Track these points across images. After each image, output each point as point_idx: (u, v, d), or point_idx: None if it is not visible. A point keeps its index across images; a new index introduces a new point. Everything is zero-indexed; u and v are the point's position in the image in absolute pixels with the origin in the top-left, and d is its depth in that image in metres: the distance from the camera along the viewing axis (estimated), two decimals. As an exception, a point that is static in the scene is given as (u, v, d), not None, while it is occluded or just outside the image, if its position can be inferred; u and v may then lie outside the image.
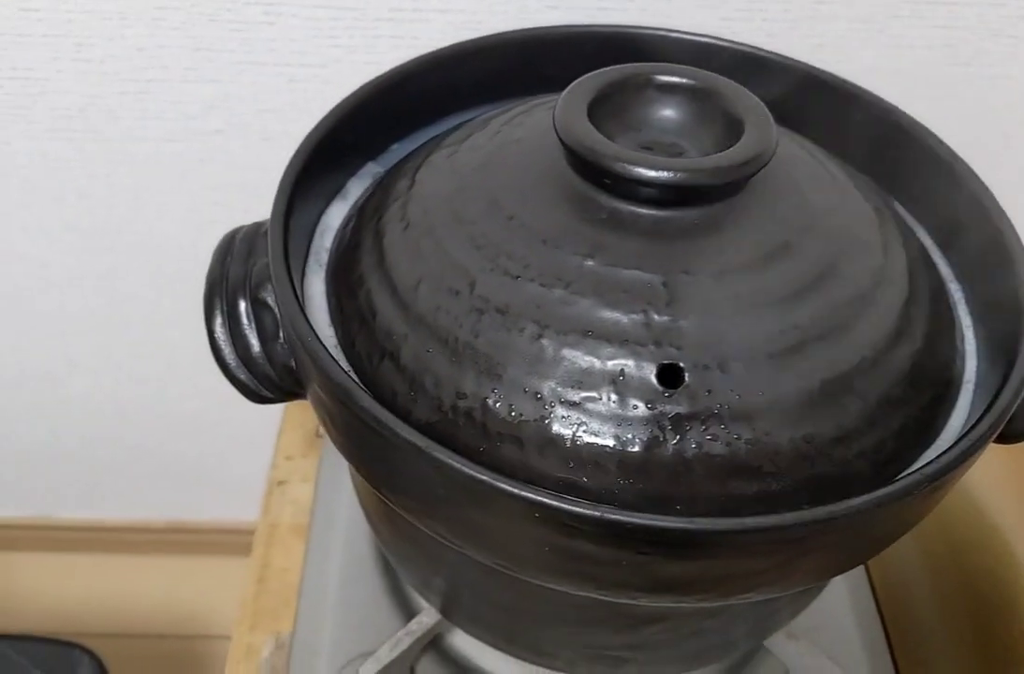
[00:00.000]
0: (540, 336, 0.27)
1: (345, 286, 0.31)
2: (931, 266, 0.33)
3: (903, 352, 0.28)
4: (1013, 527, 0.44)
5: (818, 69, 0.36)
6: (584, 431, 0.26)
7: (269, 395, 0.33)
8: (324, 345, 0.27)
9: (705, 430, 0.26)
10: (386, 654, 0.38)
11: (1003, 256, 0.31)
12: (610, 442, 0.26)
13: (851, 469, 0.27)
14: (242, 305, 0.32)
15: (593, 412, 0.26)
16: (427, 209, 0.31)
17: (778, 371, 0.27)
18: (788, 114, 0.34)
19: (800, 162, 0.32)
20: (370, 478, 0.29)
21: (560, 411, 0.26)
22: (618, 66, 0.31)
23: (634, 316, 0.27)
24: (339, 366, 0.27)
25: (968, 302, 0.33)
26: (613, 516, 0.23)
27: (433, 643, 0.43)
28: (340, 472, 0.50)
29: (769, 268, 0.28)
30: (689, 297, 0.27)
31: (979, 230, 0.32)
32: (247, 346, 0.32)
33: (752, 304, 0.27)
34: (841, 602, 0.44)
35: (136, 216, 0.62)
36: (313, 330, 0.28)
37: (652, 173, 0.27)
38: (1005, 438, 0.32)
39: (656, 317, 0.27)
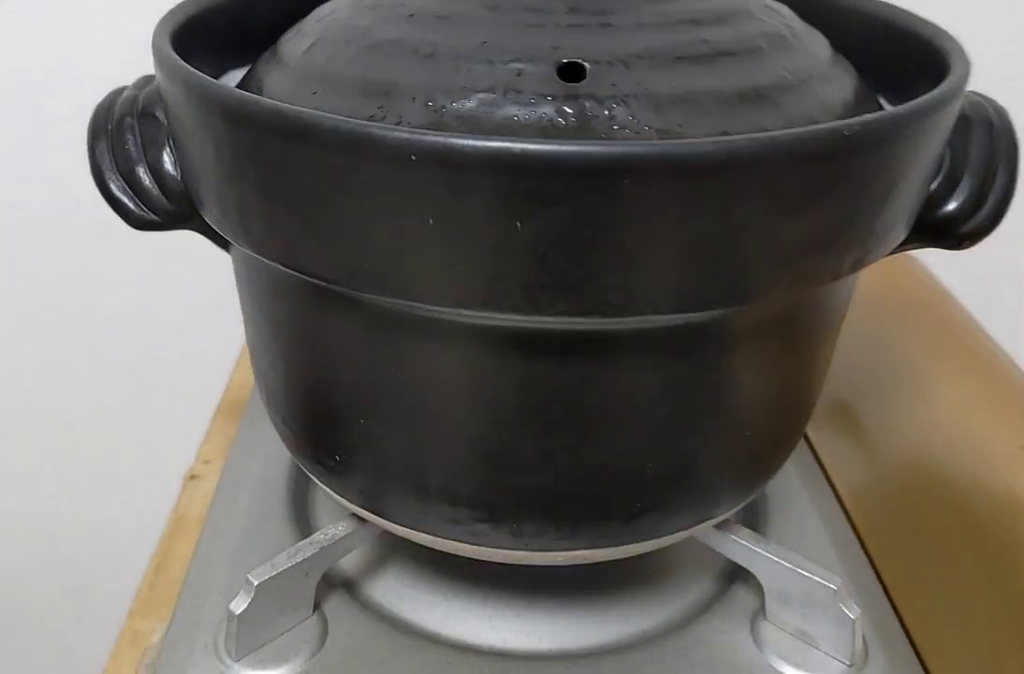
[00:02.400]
0: (432, 54, 0.25)
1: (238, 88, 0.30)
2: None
3: (829, 90, 0.27)
4: (996, 441, 0.39)
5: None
6: (478, 132, 0.23)
7: (154, 217, 0.30)
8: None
9: (612, 120, 0.23)
10: (283, 561, 0.32)
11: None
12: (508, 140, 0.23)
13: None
14: (128, 121, 0.30)
15: (487, 113, 0.24)
16: (320, 13, 0.30)
17: (688, 71, 0.25)
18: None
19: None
20: (248, 212, 0.25)
21: (453, 112, 0.24)
22: None
23: (534, 30, 0.25)
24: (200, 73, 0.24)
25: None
26: (499, 143, 0.20)
27: (348, 590, 0.36)
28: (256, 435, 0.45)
29: (676, 2, 0.27)
30: (592, 14, 0.26)
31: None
32: (130, 161, 0.30)
33: (657, 22, 0.26)
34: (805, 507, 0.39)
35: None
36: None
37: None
38: (957, 237, 0.30)
39: (557, 30, 0.25)
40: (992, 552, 0.36)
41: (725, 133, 0.24)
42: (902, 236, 0.27)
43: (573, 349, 0.25)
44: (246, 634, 0.32)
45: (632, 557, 0.32)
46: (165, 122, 0.29)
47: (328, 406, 0.29)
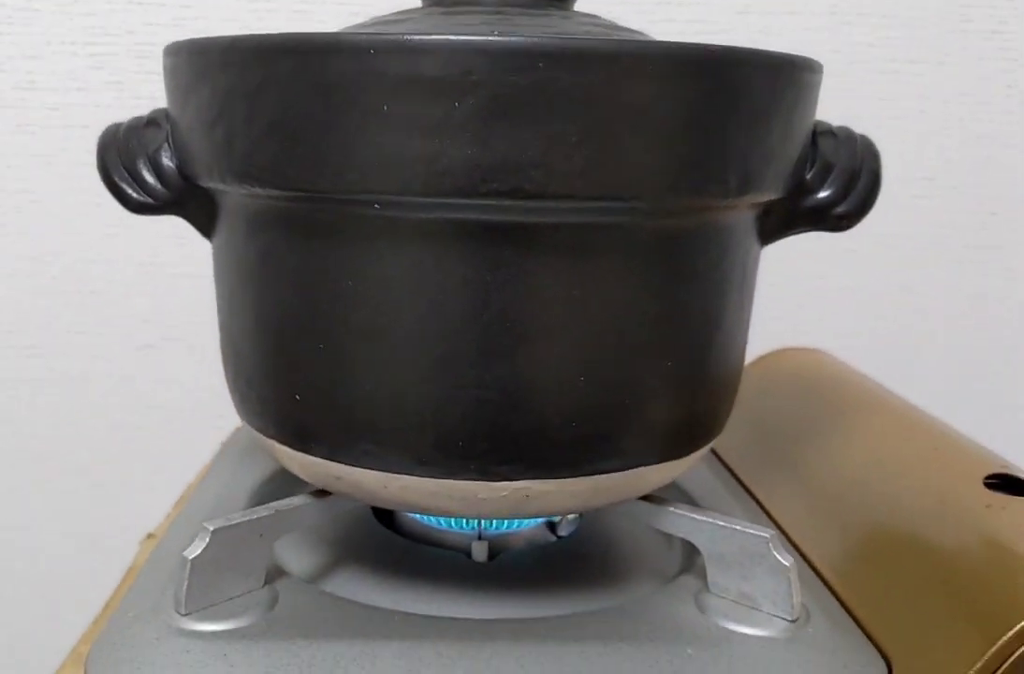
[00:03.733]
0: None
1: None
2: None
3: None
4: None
5: None
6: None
7: (149, 200, 0.35)
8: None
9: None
10: (238, 516, 0.34)
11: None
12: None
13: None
14: (133, 130, 0.36)
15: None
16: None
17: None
18: None
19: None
20: (237, 139, 0.30)
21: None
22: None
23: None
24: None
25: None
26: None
27: (301, 575, 0.37)
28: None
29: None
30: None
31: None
32: (132, 155, 0.35)
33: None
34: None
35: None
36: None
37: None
38: (835, 221, 0.36)
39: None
40: (918, 545, 0.38)
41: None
42: (778, 185, 0.33)
43: (505, 244, 0.29)
44: (198, 585, 0.33)
45: (584, 547, 0.34)
46: (166, 126, 0.35)
47: (291, 337, 0.32)
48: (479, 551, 0.40)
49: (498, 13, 0.33)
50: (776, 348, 0.69)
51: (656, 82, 0.28)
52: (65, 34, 0.64)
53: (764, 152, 0.31)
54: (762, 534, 0.34)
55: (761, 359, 0.57)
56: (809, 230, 0.37)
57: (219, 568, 0.33)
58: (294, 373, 0.33)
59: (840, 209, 0.35)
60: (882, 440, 0.44)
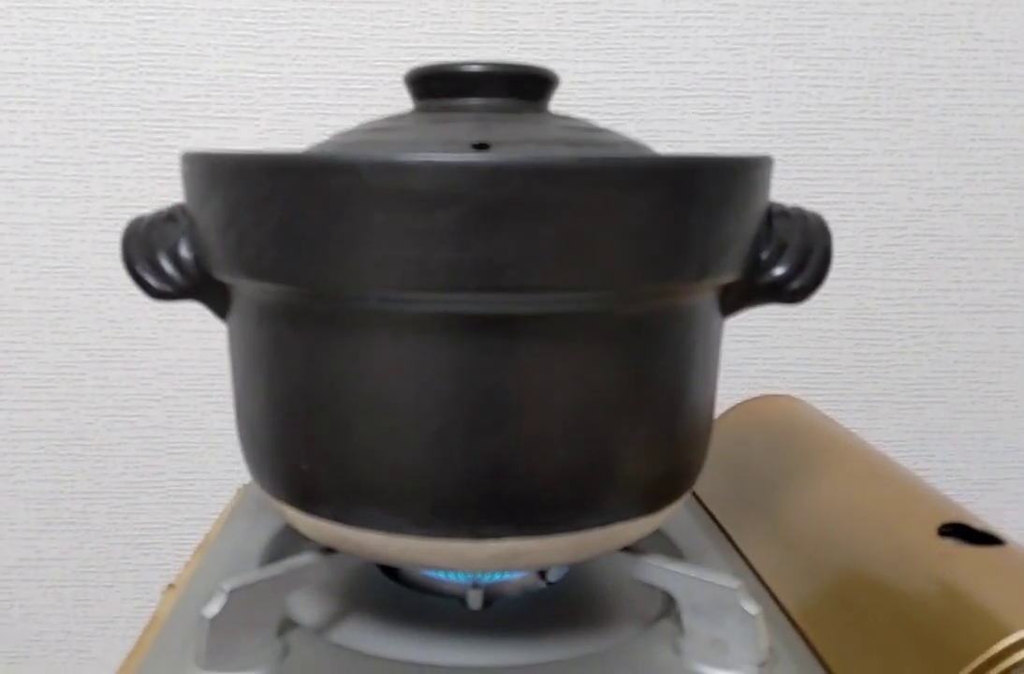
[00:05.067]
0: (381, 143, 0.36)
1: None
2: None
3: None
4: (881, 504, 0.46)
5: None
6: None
7: (168, 289, 0.39)
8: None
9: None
10: (252, 576, 0.37)
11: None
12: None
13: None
14: (155, 223, 0.40)
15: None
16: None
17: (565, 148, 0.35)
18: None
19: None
20: (253, 244, 0.34)
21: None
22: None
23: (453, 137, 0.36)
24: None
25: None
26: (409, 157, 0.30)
27: (311, 630, 0.40)
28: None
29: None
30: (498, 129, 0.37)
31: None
32: (152, 248, 0.39)
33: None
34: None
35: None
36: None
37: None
38: (789, 295, 0.39)
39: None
40: (880, 585, 0.41)
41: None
42: (736, 267, 0.36)
43: (489, 332, 0.33)
44: (216, 641, 0.36)
45: (572, 592, 0.37)
46: (184, 221, 0.39)
47: (299, 414, 0.36)
48: (474, 599, 0.43)
49: (480, 120, 0.37)
50: (751, 392, 0.72)
51: (619, 191, 0.31)
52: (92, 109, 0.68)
53: (721, 241, 0.35)
54: (730, 585, 0.38)
55: (737, 407, 0.61)
56: (767, 303, 0.40)
57: (235, 624, 0.37)
58: (302, 445, 0.37)
59: (794, 284, 0.39)
60: (847, 487, 0.48)
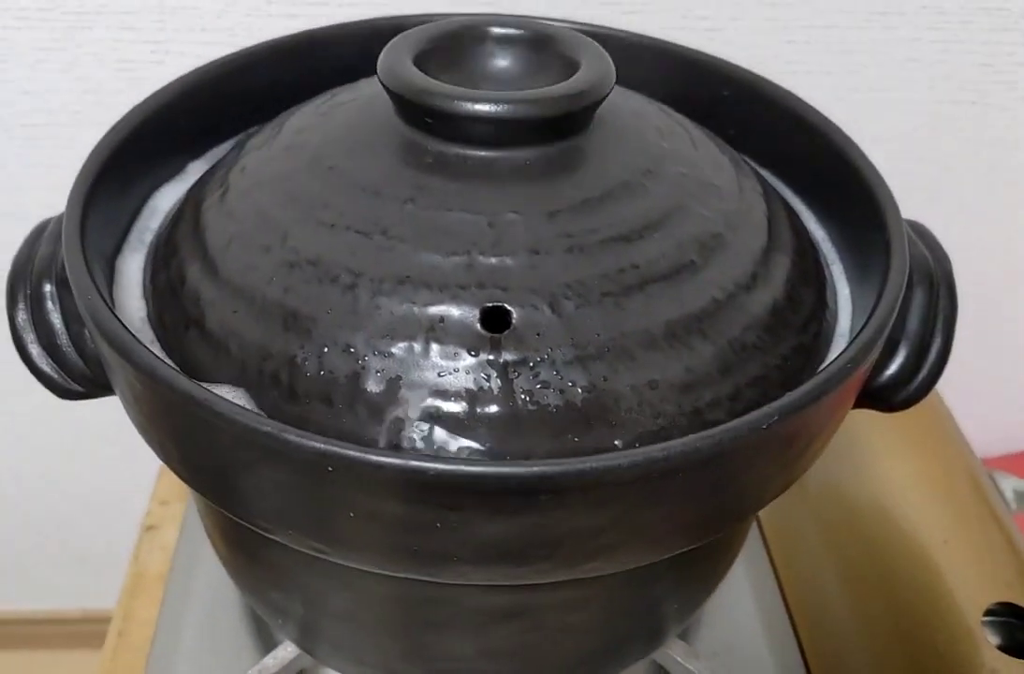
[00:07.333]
0: (354, 285, 0.24)
1: (159, 258, 0.29)
2: (797, 221, 0.30)
3: (759, 297, 0.26)
4: (927, 526, 0.41)
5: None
6: (401, 385, 0.23)
7: (78, 388, 0.30)
8: (110, 306, 0.24)
9: (536, 377, 0.23)
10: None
11: (876, 221, 0.28)
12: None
13: (703, 419, 0.24)
14: (47, 287, 0.29)
15: (410, 363, 0.23)
16: (247, 170, 0.29)
17: (615, 311, 0.24)
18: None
19: (650, 115, 0.30)
20: (168, 454, 0.25)
21: (374, 364, 0.23)
22: (448, 19, 0.29)
23: (456, 259, 0.24)
24: (122, 325, 0.23)
25: (843, 262, 0.31)
26: (411, 462, 0.20)
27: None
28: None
29: (606, 208, 0.26)
30: (517, 237, 0.25)
31: (850, 193, 0.30)
32: (52, 333, 0.29)
33: (587, 243, 0.25)
34: (750, 618, 0.41)
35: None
36: (100, 293, 0.24)
37: (474, 107, 0.25)
38: (890, 404, 0.30)
39: (480, 259, 0.24)
40: (913, 634, 0.38)
41: (652, 381, 0.24)
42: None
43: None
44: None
45: None
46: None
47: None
48: None
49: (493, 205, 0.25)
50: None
51: (638, 493, 0.22)
52: None
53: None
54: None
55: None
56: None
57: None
58: (255, 579, 0.31)
59: (900, 396, 0.30)
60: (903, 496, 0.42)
